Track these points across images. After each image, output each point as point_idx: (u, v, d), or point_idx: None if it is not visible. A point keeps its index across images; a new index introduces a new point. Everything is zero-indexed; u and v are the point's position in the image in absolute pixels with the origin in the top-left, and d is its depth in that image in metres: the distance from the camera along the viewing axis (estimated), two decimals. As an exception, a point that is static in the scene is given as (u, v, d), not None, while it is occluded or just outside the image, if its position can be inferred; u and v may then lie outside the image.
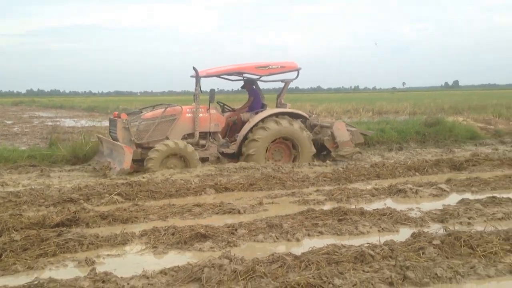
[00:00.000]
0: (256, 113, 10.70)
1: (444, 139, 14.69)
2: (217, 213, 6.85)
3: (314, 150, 10.83)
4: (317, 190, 8.22)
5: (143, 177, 9.13)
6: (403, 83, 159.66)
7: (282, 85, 11.63)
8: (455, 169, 9.98)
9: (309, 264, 4.54)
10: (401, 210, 6.69)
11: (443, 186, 8.08)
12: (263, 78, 11.20)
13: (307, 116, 11.36)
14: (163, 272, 4.55)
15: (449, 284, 4.26)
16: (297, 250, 5.14)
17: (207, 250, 5.26)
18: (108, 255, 5.30)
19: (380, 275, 4.30)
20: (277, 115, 10.54)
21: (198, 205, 7.09)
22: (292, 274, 4.36)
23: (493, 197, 7.20)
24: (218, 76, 10.94)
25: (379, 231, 5.87)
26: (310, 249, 4.96)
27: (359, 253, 4.74)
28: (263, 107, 11.15)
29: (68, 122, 27.35)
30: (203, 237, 5.57)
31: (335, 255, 4.73)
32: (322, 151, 11.42)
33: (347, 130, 11.16)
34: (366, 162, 10.89)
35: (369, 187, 8.41)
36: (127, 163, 9.25)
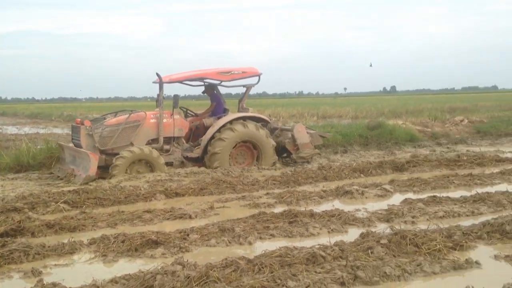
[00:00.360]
0: (219, 117, 10.72)
1: (385, 141, 15.07)
2: (168, 219, 6.67)
3: (276, 157, 10.98)
4: (267, 193, 8.18)
5: (91, 185, 8.81)
6: (345, 89, 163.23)
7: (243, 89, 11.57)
8: (397, 170, 10.21)
9: (263, 267, 4.47)
10: (348, 211, 6.75)
11: (387, 186, 8.23)
12: (225, 84, 11.20)
13: (269, 120, 11.43)
14: (113, 281, 4.35)
15: (398, 282, 4.30)
16: (250, 253, 5.08)
17: (159, 257, 5.10)
18: (55, 265, 5.04)
19: (332, 276, 4.29)
20: (244, 118, 10.62)
21: (149, 211, 6.90)
22: (246, 278, 4.28)
23: (434, 196, 7.40)
24: (181, 82, 10.86)
25: (329, 232, 5.88)
26: (263, 252, 4.89)
27: (311, 254, 4.72)
28: (225, 111, 11.18)
29: (11, 129, 26.21)
30: (155, 243, 5.40)
31: (287, 257, 4.68)
32: (283, 153, 11.57)
33: (307, 132, 11.36)
34: (313, 165, 10.97)
35: (317, 189, 8.45)
36: (92, 170, 9.07)
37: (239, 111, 11.30)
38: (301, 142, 11.04)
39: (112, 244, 5.46)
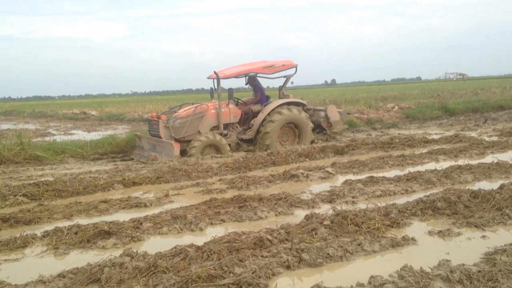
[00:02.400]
0: (266, 104, 11.24)
1: (327, 127, 14.79)
2: (123, 208, 6.11)
3: (313, 136, 11.54)
4: (220, 180, 7.73)
5: (52, 175, 8.10)
6: (292, 82, 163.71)
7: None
8: (338, 154, 9.96)
9: (211, 254, 4.04)
10: (295, 194, 6.40)
11: (329, 169, 7.94)
12: (269, 76, 11.49)
13: (305, 104, 11.91)
14: (61, 275, 3.83)
15: (340, 262, 3.96)
16: (201, 240, 4.63)
17: (111, 247, 4.58)
18: (5, 260, 4.44)
19: (278, 259, 3.90)
20: (288, 104, 11.22)
21: (105, 201, 6.31)
22: (194, 266, 3.85)
23: (371, 176, 7.14)
24: (233, 77, 11.04)
25: (276, 215, 5.50)
26: (212, 238, 4.46)
27: (258, 239, 4.32)
28: (268, 99, 11.65)
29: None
30: (107, 234, 4.87)
31: (235, 243, 4.27)
32: (316, 130, 12.08)
33: (337, 111, 11.97)
34: (263, 151, 10.58)
35: (266, 174, 8.07)
36: (176, 155, 9.69)
37: (280, 97, 11.72)
38: (333, 120, 11.76)
39: (65, 236, 4.90)
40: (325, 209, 5.50)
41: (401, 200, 5.88)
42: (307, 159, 9.45)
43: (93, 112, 30.47)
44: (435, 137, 11.91)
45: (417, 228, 4.76)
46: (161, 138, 10.17)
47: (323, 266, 3.88)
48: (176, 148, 9.71)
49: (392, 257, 4.04)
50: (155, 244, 4.64)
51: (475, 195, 5.46)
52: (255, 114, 11.28)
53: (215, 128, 10.73)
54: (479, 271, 3.48)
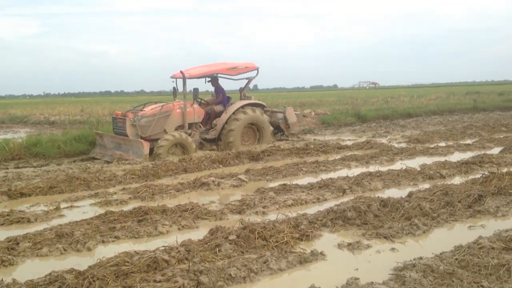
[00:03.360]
0: (230, 104, 11.54)
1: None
2: (1, 224, 5.25)
3: (272, 138, 12.10)
4: (123, 189, 7.05)
5: None
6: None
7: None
8: (254, 160, 9.63)
9: (94, 281, 3.43)
10: (203, 204, 5.93)
11: (242, 176, 7.56)
12: (232, 77, 11.65)
13: (265, 105, 12.20)
14: None
15: (243, 284, 3.54)
16: (86, 262, 3.99)
17: (-28, 276, 3.78)
18: None
19: (172, 285, 3.39)
20: (252, 104, 11.56)
21: (-20, 217, 5.39)
22: (71, 297, 3.22)
23: (284, 184, 6.86)
24: (199, 77, 11.08)
25: (179, 229, 4.98)
26: (99, 261, 3.84)
27: (153, 259, 3.78)
28: (229, 100, 11.89)
29: None
30: (-29, 258, 4.05)
31: (125, 266, 3.69)
32: (274, 131, 12.42)
33: (294, 113, 12.56)
34: (174, 157, 9.98)
35: (175, 181, 7.52)
36: (146, 153, 9.59)
37: (241, 99, 11.81)
38: (291, 122, 12.30)
39: None
40: (233, 221, 5.08)
41: (312, 209, 5.63)
42: (221, 166, 9.02)
43: (-6, 114, 27.82)
44: (348, 143, 12.04)
45: (327, 241, 4.49)
46: (128, 136, 10.04)
47: (223, 290, 3.43)
48: (146, 146, 9.68)
49: (299, 276, 3.69)
50: (29, 270, 3.91)
51: (384, 203, 5.33)
52: (217, 114, 11.48)
53: (179, 127, 10.76)
54: (388, 290, 3.23)
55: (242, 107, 11.30)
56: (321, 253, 4.08)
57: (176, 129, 10.62)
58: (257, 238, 4.35)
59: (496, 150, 9.91)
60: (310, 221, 4.92)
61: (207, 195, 6.66)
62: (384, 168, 8.05)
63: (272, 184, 7.20)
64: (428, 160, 8.85)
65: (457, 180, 7.10)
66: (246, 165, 9.22)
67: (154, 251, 3.96)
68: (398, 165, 8.44)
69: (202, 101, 11.90)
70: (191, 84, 11.29)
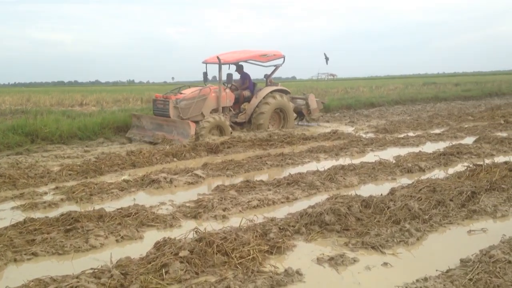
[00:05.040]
0: (259, 89, 11.87)
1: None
2: None
3: (295, 123, 12.52)
4: (57, 188, 5.93)
5: None
6: (172, 78, 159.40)
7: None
8: (212, 152, 8.64)
9: (-18, 330, 2.41)
10: (150, 206, 4.94)
11: (199, 172, 6.58)
12: (263, 64, 12.06)
13: (290, 92, 12.54)
14: None
15: (197, 324, 2.61)
16: (-16, 294, 2.94)
17: None
18: None
19: (96, 332, 2.42)
20: (279, 90, 12.03)
21: None
22: None
23: (247, 181, 5.95)
24: (233, 63, 11.56)
25: (117, 241, 3.98)
26: (-2, 294, 2.80)
27: (74, 290, 2.78)
28: (255, 86, 12.21)
29: None
30: None
31: (33, 302, 2.67)
32: (296, 117, 12.76)
33: (315, 100, 13.03)
34: (123, 150, 8.85)
35: (120, 179, 6.46)
36: (192, 134, 9.62)
37: (267, 85, 12.14)
38: (312, 107, 12.79)
39: None
40: (186, 229, 4.11)
41: (281, 211, 4.76)
42: (175, 159, 7.99)
43: None
44: (314, 134, 11.27)
45: (302, 253, 3.62)
46: (170, 117, 10.27)
47: (169, 334, 2.49)
48: (193, 127, 9.75)
49: (272, 307, 2.80)
50: None
51: (366, 204, 4.53)
52: (246, 99, 11.93)
53: (213, 111, 11.03)
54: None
55: (271, 92, 11.82)
56: (298, 272, 3.21)
57: (210, 112, 10.90)
58: (216, 253, 3.43)
59: (469, 140, 9.40)
60: (281, 227, 4.05)
61: (157, 195, 5.66)
62: (356, 161, 7.30)
63: (233, 181, 6.28)
64: (400, 151, 8.18)
65: (437, 173, 6.44)
66: (203, 158, 8.24)
67: (77, 277, 2.96)
68: (370, 157, 7.72)
69: (232, 85, 12.18)
70: (216, 70, 11.36)
